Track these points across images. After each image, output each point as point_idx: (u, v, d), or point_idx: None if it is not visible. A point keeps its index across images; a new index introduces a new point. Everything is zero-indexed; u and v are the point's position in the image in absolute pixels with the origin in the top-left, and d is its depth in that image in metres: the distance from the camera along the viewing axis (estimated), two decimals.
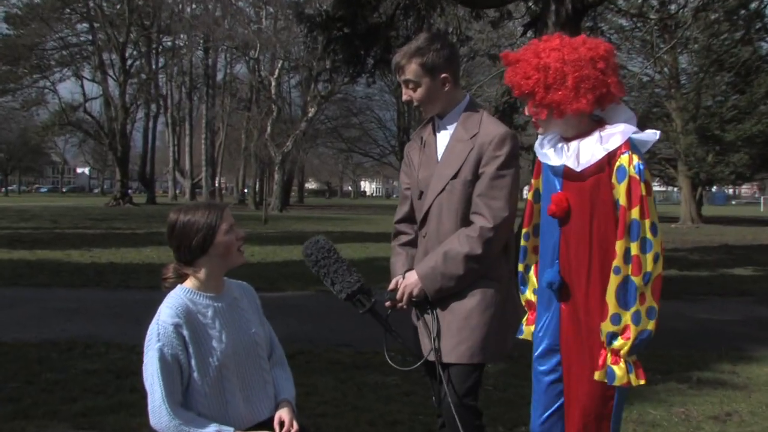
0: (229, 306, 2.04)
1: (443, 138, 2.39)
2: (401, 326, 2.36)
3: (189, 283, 2.01)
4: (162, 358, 1.87)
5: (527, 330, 2.20)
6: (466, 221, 2.28)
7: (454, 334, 2.25)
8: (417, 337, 2.37)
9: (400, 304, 2.31)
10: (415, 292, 2.27)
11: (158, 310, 1.94)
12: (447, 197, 2.30)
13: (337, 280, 2.20)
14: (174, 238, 2.00)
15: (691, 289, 9.14)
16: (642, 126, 2.02)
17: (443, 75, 2.32)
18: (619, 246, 1.87)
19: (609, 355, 1.92)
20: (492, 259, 2.25)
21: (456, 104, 2.37)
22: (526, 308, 2.22)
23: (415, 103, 2.37)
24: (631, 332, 1.88)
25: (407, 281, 2.30)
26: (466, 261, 2.22)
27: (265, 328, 2.15)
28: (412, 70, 2.31)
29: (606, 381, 1.92)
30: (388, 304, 2.32)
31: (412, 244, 2.46)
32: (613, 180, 1.93)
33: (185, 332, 1.90)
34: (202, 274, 2.00)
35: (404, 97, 2.40)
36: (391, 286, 2.35)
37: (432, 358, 2.25)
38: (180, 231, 1.98)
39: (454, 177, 2.29)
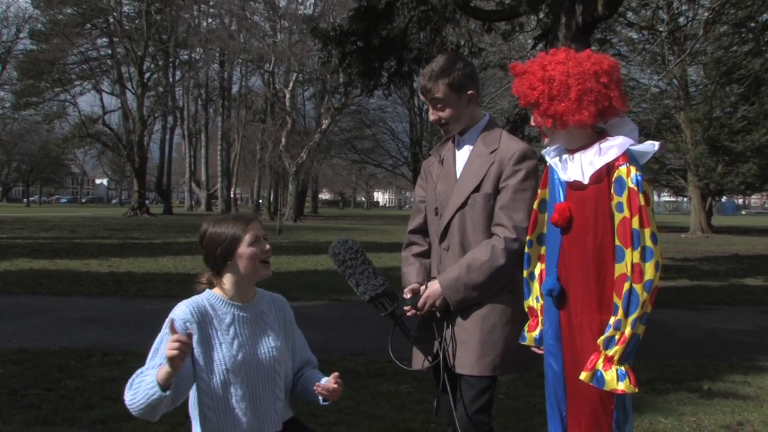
0: (252, 317, 2.07)
1: (463, 154, 2.43)
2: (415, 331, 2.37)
3: (217, 290, 2.08)
4: (160, 342, 1.93)
5: (529, 336, 2.24)
6: (490, 234, 2.32)
7: (476, 347, 2.26)
8: (428, 342, 2.39)
9: (419, 312, 2.33)
10: (438, 303, 2.30)
11: (177, 305, 2.02)
12: (470, 211, 2.33)
13: (362, 282, 2.23)
14: (203, 247, 2.08)
15: (701, 298, 9.10)
16: (652, 137, 2.07)
17: (469, 92, 2.38)
18: (628, 255, 1.92)
19: (602, 359, 1.94)
20: (512, 271, 2.27)
21: (476, 122, 2.43)
22: (528, 314, 2.26)
23: (443, 122, 2.40)
24: (626, 338, 1.91)
25: (430, 291, 2.31)
26: (489, 272, 2.24)
27: (288, 343, 2.14)
28: (440, 90, 2.35)
29: (591, 383, 1.94)
30: (407, 308, 2.34)
31: (424, 255, 2.51)
32: (612, 191, 1.98)
33: (194, 330, 1.94)
34: (227, 283, 2.06)
35: (432, 118, 2.42)
36: (410, 293, 2.37)
37: (449, 365, 2.27)
38: (207, 241, 2.06)
39: (475, 191, 2.32)
